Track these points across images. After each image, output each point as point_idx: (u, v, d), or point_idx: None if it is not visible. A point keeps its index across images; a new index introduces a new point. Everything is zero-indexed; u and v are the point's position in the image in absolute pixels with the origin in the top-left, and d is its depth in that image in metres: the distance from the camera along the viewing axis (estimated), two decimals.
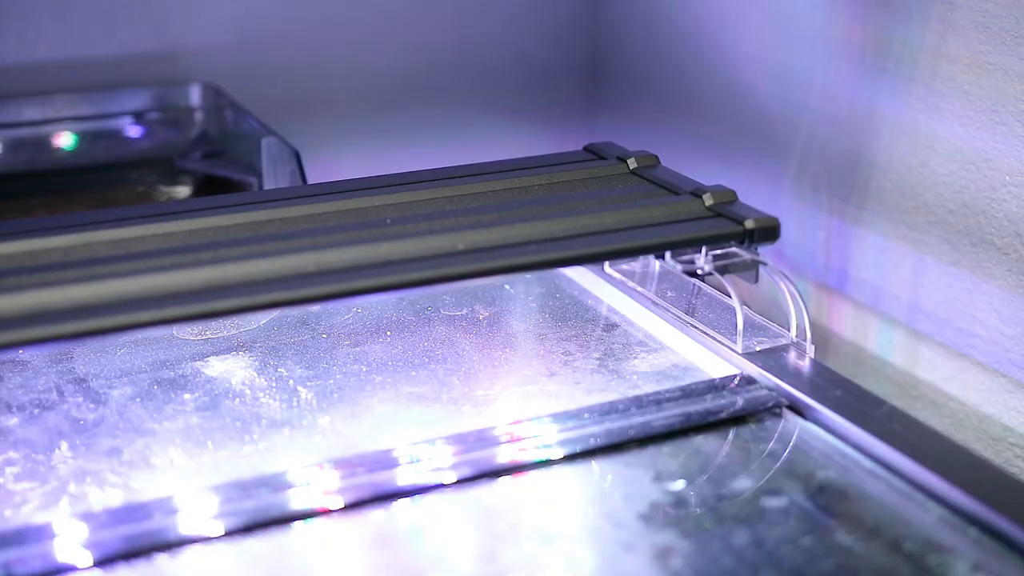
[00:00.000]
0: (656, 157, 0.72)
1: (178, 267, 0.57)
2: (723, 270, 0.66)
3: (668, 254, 0.66)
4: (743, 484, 0.56)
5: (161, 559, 0.51)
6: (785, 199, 0.86)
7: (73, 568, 0.50)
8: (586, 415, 0.61)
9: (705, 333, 0.68)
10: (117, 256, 0.58)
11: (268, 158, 0.86)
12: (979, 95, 0.71)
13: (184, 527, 0.52)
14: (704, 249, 0.66)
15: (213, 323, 0.72)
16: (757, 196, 0.74)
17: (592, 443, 0.59)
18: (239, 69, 0.97)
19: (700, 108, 0.96)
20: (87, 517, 0.53)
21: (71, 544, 0.51)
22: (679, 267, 0.67)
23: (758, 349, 0.66)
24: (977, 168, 0.71)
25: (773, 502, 0.55)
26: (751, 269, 0.66)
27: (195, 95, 0.95)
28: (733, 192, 0.66)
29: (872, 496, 0.55)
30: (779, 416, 0.62)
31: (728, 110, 0.92)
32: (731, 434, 0.60)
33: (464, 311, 0.74)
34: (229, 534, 0.52)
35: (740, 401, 0.62)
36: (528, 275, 0.80)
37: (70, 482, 0.56)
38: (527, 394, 0.64)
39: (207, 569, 0.51)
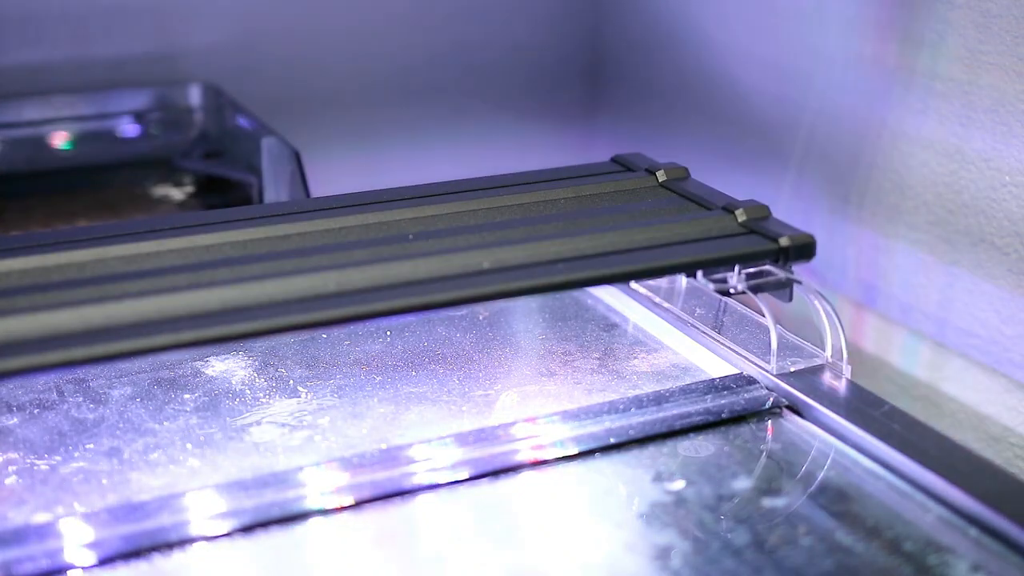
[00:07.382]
0: (686, 169, 0.70)
1: (195, 286, 0.55)
2: (756, 288, 0.63)
3: (700, 272, 0.64)
4: (743, 484, 0.56)
5: (161, 559, 0.51)
6: (785, 199, 0.86)
7: (73, 568, 0.50)
8: (586, 415, 0.61)
9: (736, 352, 0.66)
10: (130, 273, 0.57)
11: (268, 158, 0.86)
12: (979, 95, 0.71)
13: (184, 527, 0.52)
14: (737, 267, 0.63)
15: None
16: (757, 196, 0.74)
17: (592, 443, 0.59)
18: (239, 69, 0.97)
19: (700, 110, 0.96)
20: (87, 517, 0.53)
21: (71, 544, 0.51)
22: (711, 286, 0.64)
23: (793, 370, 0.64)
24: (977, 168, 0.71)
25: (773, 502, 0.55)
26: (785, 287, 0.63)
27: (195, 95, 0.95)
28: (766, 207, 0.64)
29: (872, 496, 0.55)
30: (779, 416, 0.62)
31: (728, 111, 0.92)
32: (731, 434, 0.60)
33: (464, 311, 0.74)
34: (229, 534, 0.52)
35: (740, 401, 0.62)
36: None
37: (70, 482, 0.56)
38: (527, 394, 0.64)
39: (207, 569, 0.51)
